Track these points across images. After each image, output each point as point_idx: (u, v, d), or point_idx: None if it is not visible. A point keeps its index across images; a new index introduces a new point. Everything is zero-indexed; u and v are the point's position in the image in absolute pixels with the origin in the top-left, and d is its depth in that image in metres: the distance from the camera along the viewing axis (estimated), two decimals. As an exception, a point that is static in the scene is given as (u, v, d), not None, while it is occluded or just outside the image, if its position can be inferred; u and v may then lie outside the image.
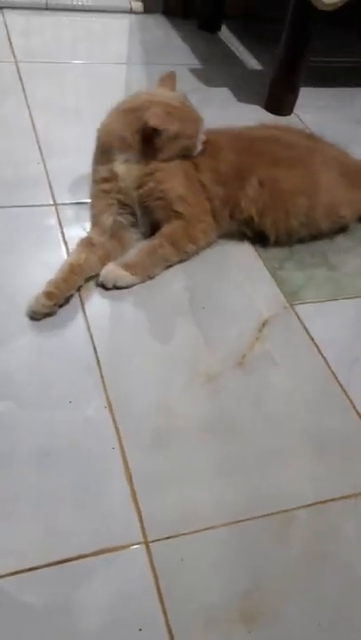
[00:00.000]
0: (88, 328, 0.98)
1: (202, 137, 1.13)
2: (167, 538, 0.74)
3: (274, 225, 1.15)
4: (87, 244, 1.07)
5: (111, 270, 1.04)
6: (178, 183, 1.10)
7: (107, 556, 0.72)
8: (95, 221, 1.11)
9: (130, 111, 1.08)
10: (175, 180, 1.10)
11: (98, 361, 0.93)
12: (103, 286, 1.04)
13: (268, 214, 1.14)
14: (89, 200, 1.18)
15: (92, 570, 0.70)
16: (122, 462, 0.80)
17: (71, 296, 1.01)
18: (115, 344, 0.97)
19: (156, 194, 1.09)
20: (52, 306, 0.97)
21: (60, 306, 0.99)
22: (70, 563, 0.71)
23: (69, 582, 0.69)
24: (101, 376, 0.91)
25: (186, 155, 1.12)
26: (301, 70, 1.59)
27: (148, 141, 1.06)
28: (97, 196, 1.13)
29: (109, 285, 1.04)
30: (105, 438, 0.83)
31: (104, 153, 1.11)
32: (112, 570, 0.71)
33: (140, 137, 1.06)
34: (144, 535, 0.74)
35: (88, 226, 1.16)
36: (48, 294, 0.97)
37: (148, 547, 0.73)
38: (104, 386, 0.89)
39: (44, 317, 0.97)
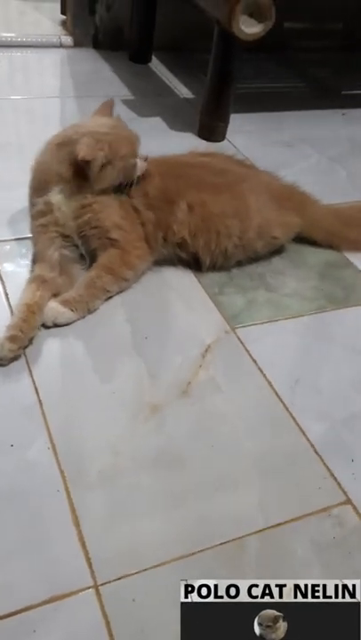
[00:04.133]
0: (29, 367, 0.96)
1: (142, 156, 1.14)
2: (117, 579, 0.72)
3: (207, 246, 1.17)
4: (39, 280, 1.06)
5: (51, 308, 1.03)
6: (113, 211, 1.11)
7: (56, 604, 0.70)
8: (42, 257, 1.10)
9: (61, 145, 1.09)
10: (110, 207, 1.11)
11: (40, 401, 0.91)
12: (43, 325, 1.02)
13: (200, 236, 1.16)
14: (28, 235, 1.18)
15: (41, 620, 0.68)
16: (67, 504, 0.79)
17: (34, 337, 0.99)
18: (56, 383, 0.96)
19: (93, 222, 1.10)
20: (18, 349, 0.96)
21: (24, 347, 0.97)
22: (18, 615, 0.68)
23: (18, 636, 0.67)
24: (44, 417, 0.89)
25: (128, 178, 1.12)
26: (230, 98, 1.63)
27: (82, 174, 1.07)
28: (37, 232, 1.12)
29: (49, 324, 1.03)
30: (49, 481, 0.81)
31: (39, 187, 1.12)
32: (62, 618, 0.69)
33: (73, 170, 1.07)
34: (93, 578, 0.72)
35: (27, 262, 1.15)
36: (12, 338, 0.96)
37: (97, 590, 0.71)
38: (47, 427, 0.88)
39: (10, 362, 0.95)
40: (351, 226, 1.32)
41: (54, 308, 1.03)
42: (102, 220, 1.10)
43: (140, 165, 1.13)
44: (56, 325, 1.03)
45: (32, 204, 1.14)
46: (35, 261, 1.12)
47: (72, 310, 1.04)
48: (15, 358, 0.96)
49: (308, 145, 1.76)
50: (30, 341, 0.99)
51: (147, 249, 1.14)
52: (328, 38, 2.46)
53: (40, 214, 1.11)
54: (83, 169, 1.06)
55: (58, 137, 1.13)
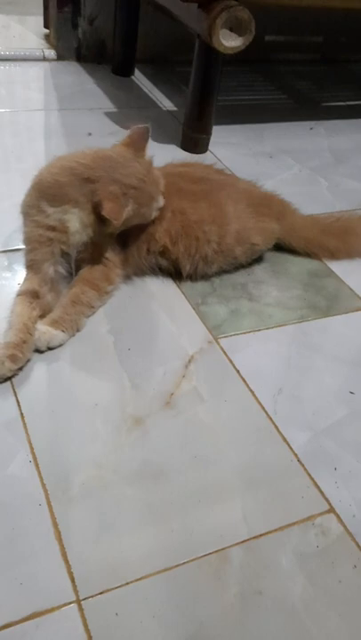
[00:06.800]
0: (11, 380, 0.95)
1: (160, 204, 1.13)
2: (100, 593, 0.72)
3: (187, 252, 1.18)
4: (32, 295, 1.05)
5: (43, 332, 1.01)
6: (110, 240, 1.12)
7: (37, 620, 0.69)
8: (36, 268, 1.08)
9: (86, 181, 1.04)
10: (109, 238, 1.12)
11: (22, 415, 0.90)
12: (37, 350, 1.00)
13: (181, 242, 1.17)
14: (12, 248, 1.17)
15: (23, 637, 0.67)
16: (49, 519, 0.78)
17: (29, 359, 0.99)
18: (38, 396, 0.95)
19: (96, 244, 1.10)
20: (17, 370, 0.96)
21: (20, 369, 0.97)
22: (-1, 633, 0.68)
23: (-2, 654, 0.66)
24: (25, 430, 0.88)
25: (143, 221, 1.13)
26: (212, 110, 1.64)
27: (100, 216, 1.03)
28: (39, 242, 1.07)
29: (44, 348, 1.01)
30: (31, 495, 0.80)
31: (52, 199, 1.05)
32: (43, 635, 0.68)
33: (92, 208, 1.04)
34: (76, 593, 0.72)
35: (10, 274, 1.14)
36: (13, 358, 0.95)
37: (80, 605, 0.71)
38: (28, 440, 0.87)
39: (5, 381, 0.95)
40: (330, 234, 1.34)
41: (47, 332, 1.01)
42: (103, 244, 1.11)
43: (155, 214, 1.14)
44: (50, 349, 1.02)
45: (37, 210, 1.06)
46: (28, 269, 1.10)
47: (63, 331, 1.03)
48: (11, 377, 0.95)
49: (289, 156, 1.78)
50: (26, 363, 0.98)
51: (122, 272, 1.16)
52: (309, 51, 2.50)
53: (50, 228, 1.06)
54: (103, 218, 1.03)
55: (83, 167, 1.04)
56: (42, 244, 1.07)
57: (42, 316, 1.05)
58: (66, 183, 1.04)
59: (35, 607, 0.70)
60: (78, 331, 1.06)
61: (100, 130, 1.74)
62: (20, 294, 1.06)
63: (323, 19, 2.34)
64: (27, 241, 1.10)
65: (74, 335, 1.05)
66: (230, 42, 1.47)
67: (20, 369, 0.97)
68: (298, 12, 2.02)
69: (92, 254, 1.10)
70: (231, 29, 1.46)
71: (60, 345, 1.03)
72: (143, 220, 1.13)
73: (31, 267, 1.09)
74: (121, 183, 1.06)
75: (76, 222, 1.05)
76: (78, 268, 1.12)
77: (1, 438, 0.87)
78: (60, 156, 1.12)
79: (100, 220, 1.04)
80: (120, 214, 1.04)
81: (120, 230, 1.09)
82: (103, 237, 1.09)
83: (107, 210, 1.01)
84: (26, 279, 1.09)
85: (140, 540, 0.78)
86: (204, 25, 1.45)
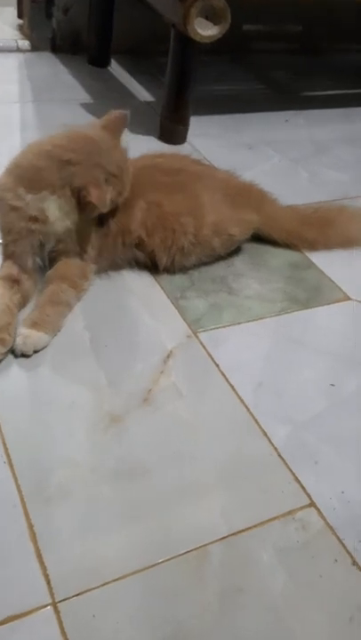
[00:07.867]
0: (-16, 380, 0.94)
1: (125, 195, 1.12)
2: (76, 595, 0.70)
3: (163, 244, 1.16)
4: (13, 280, 1.04)
5: (27, 336, 0.98)
6: (92, 227, 1.11)
7: (12, 624, 0.67)
8: (16, 258, 1.07)
9: (66, 164, 1.02)
10: (91, 223, 1.10)
11: (-5, 414, 0.89)
12: (24, 355, 0.98)
13: (157, 234, 1.15)
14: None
15: (-3, 643, 0.66)
16: (24, 520, 0.76)
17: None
18: (12, 395, 0.93)
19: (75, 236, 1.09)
20: (6, 353, 0.96)
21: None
22: (-28, 639, 0.66)
23: (-27, 661, 0.64)
24: (0, 430, 0.86)
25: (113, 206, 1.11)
26: (189, 101, 1.62)
27: (80, 201, 1.02)
28: (20, 234, 1.05)
29: (30, 352, 0.98)
30: (5, 496, 0.78)
31: (29, 186, 1.02)
32: (19, 639, 0.66)
33: (72, 194, 1.02)
34: (52, 596, 0.70)
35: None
36: (2, 341, 0.95)
37: (56, 607, 0.69)
38: (3, 440, 0.85)
39: None
40: (309, 225, 1.33)
41: (30, 335, 0.98)
42: (83, 234, 1.09)
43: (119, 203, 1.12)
44: (35, 352, 0.99)
45: (14, 194, 1.03)
46: (6, 257, 1.08)
47: (46, 332, 1.00)
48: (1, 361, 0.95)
49: (269, 147, 1.76)
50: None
51: (95, 265, 1.14)
52: (288, 41, 2.48)
53: (32, 219, 1.04)
54: (85, 203, 1.02)
55: (63, 150, 1.03)
56: (23, 236, 1.06)
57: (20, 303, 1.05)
58: (43, 167, 1.02)
59: (10, 611, 0.68)
60: (59, 331, 1.04)
61: (76, 121, 1.68)
62: (1, 278, 1.05)
63: (302, 8, 2.32)
64: (6, 231, 1.07)
65: (55, 336, 1.03)
66: (206, 31, 1.45)
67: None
68: (275, 1, 1.99)
69: (73, 245, 1.08)
70: (207, 18, 1.44)
71: (45, 347, 1.00)
72: (114, 203, 1.10)
73: (11, 256, 1.08)
74: (103, 169, 1.04)
75: (56, 210, 1.03)
76: (52, 260, 1.10)
77: (-26, 439, 0.85)
78: (33, 141, 1.09)
79: (80, 205, 1.03)
80: (105, 200, 1.03)
81: (96, 215, 1.08)
82: (84, 225, 1.07)
83: (94, 196, 1.00)
84: (4, 265, 1.08)
85: (118, 540, 0.77)
86: (179, 14, 1.42)
